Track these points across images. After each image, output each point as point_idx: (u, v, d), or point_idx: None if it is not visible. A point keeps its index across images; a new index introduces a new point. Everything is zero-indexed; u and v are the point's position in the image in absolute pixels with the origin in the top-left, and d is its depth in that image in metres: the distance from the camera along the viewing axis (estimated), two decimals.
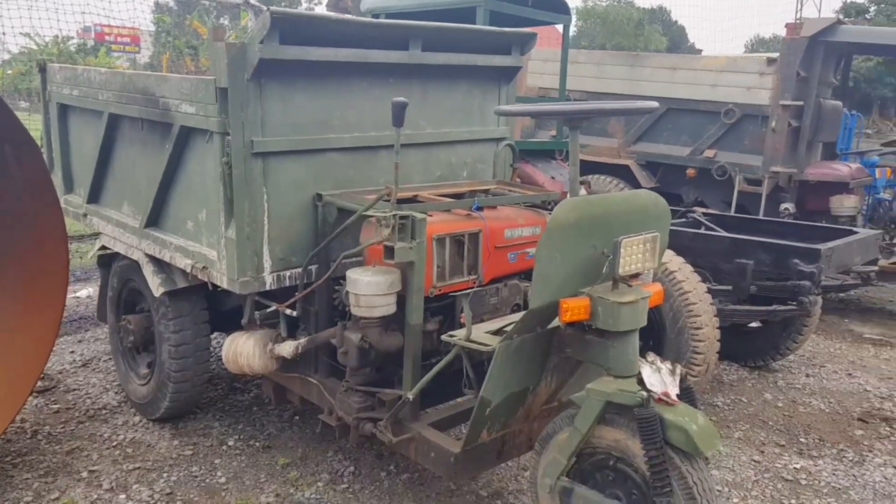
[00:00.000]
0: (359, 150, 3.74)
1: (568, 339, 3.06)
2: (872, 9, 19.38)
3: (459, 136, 4.14)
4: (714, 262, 4.88)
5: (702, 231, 5.10)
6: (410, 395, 3.19)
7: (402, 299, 3.24)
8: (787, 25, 7.64)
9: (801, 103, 7.52)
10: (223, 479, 3.98)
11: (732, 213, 7.77)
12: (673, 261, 4.58)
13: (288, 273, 3.59)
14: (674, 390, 2.94)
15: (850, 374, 5.93)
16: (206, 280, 3.73)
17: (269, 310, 3.66)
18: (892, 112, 27.55)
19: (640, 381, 2.94)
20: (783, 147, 7.58)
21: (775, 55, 7.65)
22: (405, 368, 3.26)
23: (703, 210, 6.25)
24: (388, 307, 3.17)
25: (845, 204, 7.43)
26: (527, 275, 3.82)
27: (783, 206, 7.66)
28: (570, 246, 2.84)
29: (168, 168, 3.85)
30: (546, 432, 3.15)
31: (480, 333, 3.08)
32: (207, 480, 3.97)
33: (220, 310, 4.32)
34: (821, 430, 4.83)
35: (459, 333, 3.11)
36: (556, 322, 3.04)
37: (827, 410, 5.19)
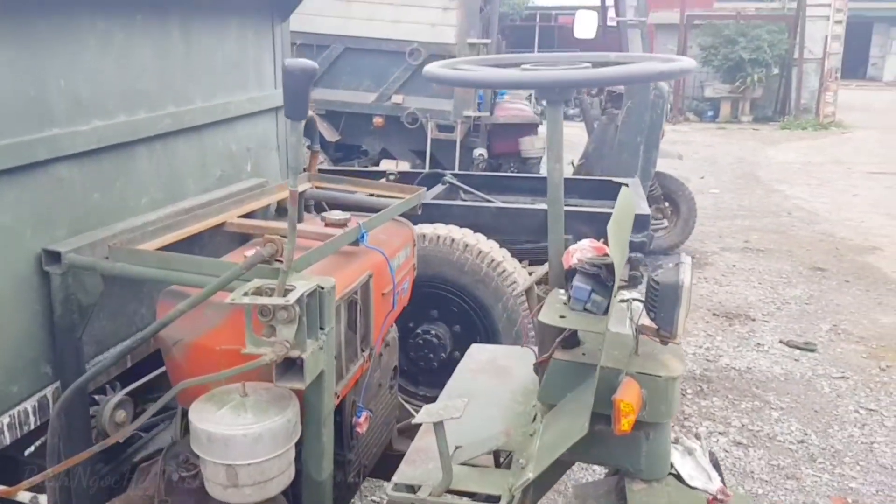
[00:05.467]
0: (104, 153, 1.97)
1: None
2: None
3: (239, 110, 2.55)
4: (521, 239, 4.05)
5: (508, 205, 4.23)
6: None
7: None
8: None
9: (489, 41, 7.03)
10: None
11: (427, 163, 7.08)
12: (494, 249, 3.64)
13: (6, 419, 1.76)
14: (717, 478, 2.06)
15: None
16: None
17: None
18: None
19: (676, 476, 2.01)
20: (473, 90, 7.04)
21: None
22: None
23: (451, 171, 5.37)
24: (287, 474, 1.65)
25: (535, 145, 7.28)
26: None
27: (477, 151, 7.22)
28: None
29: None
30: None
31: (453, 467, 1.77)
32: None
33: None
34: None
35: (410, 476, 1.76)
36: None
37: None
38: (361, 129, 7.33)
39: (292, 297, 1.46)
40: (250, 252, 1.95)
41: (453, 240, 3.42)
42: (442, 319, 3.68)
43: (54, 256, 1.78)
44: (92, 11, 1.91)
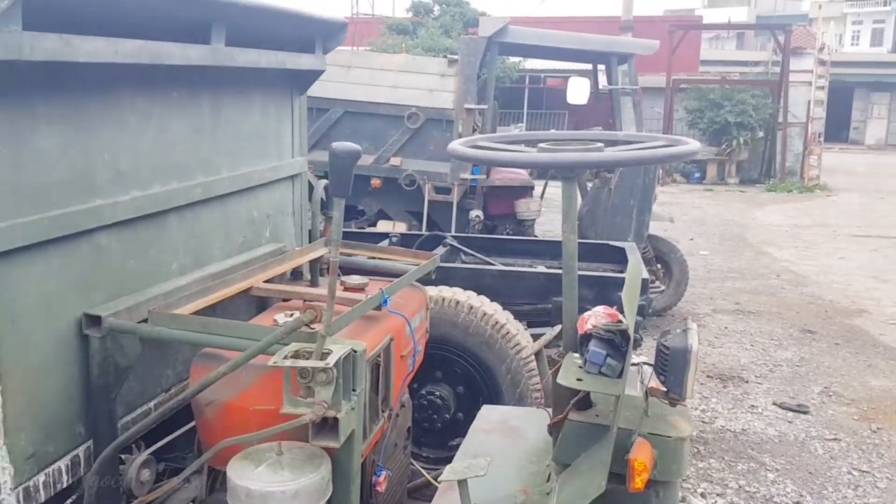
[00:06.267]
0: (140, 222, 2.09)
1: None
2: (436, 9, 20.69)
3: (262, 178, 2.68)
4: (522, 301, 4.16)
5: (510, 268, 4.35)
6: None
7: None
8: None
9: (485, 106, 7.25)
10: None
11: (424, 224, 7.23)
12: (497, 312, 3.73)
13: (42, 477, 1.82)
14: None
15: None
16: None
17: None
18: None
19: None
20: None
21: (456, 56, 7.25)
22: None
23: (451, 234, 5.50)
24: None
25: (531, 207, 7.43)
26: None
27: (473, 213, 7.35)
28: None
29: None
30: None
31: None
32: None
33: None
34: None
35: None
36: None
37: None
38: (359, 191, 7.46)
39: (331, 360, 1.55)
40: (278, 316, 2.04)
41: (458, 302, 3.51)
42: (446, 381, 3.75)
43: (95, 320, 1.87)
44: (133, 90, 2.04)
